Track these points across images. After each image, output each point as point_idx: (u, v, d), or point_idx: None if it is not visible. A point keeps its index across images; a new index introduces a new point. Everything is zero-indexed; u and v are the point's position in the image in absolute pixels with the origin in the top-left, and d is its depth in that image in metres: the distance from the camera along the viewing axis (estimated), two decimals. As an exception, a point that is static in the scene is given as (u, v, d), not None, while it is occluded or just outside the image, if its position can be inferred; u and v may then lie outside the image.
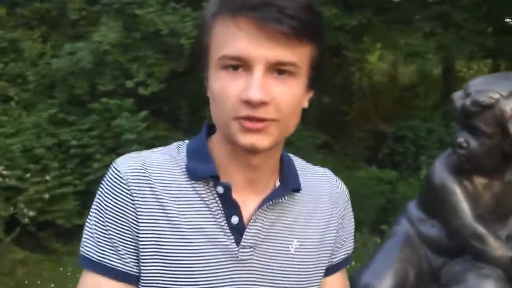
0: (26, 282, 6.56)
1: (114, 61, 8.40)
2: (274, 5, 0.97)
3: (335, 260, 1.27)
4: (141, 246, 1.08)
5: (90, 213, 1.13)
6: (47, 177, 7.93)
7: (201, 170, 1.11)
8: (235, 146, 1.06)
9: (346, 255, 1.31)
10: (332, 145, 10.33)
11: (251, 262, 1.12)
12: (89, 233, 1.11)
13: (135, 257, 1.09)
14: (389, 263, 2.61)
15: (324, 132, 9.98)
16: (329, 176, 1.29)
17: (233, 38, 1.00)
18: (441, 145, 8.94)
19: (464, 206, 2.46)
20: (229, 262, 1.11)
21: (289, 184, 1.17)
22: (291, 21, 0.97)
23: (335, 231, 1.25)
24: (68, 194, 7.71)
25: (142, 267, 1.09)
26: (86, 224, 1.13)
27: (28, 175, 7.84)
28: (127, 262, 1.09)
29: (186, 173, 1.12)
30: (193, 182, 1.11)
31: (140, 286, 1.11)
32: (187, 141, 1.19)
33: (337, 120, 11.24)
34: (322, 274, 1.23)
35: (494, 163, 2.44)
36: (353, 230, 1.31)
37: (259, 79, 0.99)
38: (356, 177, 8.77)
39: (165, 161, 1.13)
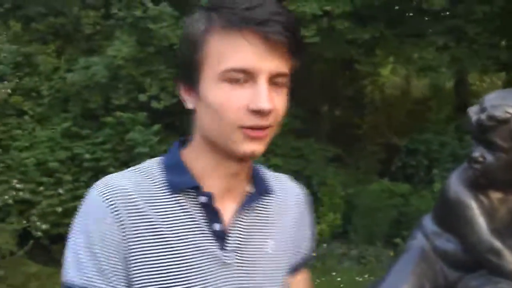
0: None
1: (127, 75, 8.47)
2: (275, 20, 1.04)
3: (299, 258, 1.35)
4: (131, 265, 1.09)
5: (71, 240, 1.12)
6: (60, 191, 7.99)
7: (182, 182, 1.15)
8: (228, 154, 1.12)
9: (308, 254, 1.38)
10: (344, 159, 10.31)
11: (235, 266, 1.17)
12: (71, 260, 1.10)
13: (123, 277, 1.10)
14: (405, 277, 2.60)
15: (335, 145, 9.98)
16: (290, 181, 1.37)
17: (238, 51, 1.05)
18: (454, 159, 8.91)
19: (480, 221, 2.45)
20: (216, 267, 1.15)
21: (261, 188, 1.24)
22: (289, 35, 1.05)
23: (299, 229, 1.33)
24: (81, 207, 7.74)
25: (133, 284, 1.10)
26: (68, 251, 1.12)
27: (41, 188, 7.90)
28: (113, 286, 1.09)
29: (165, 187, 1.15)
30: (174, 195, 1.14)
31: None
32: (158, 158, 1.22)
33: (349, 133, 11.23)
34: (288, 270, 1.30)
35: (510, 178, 2.43)
36: (313, 232, 1.40)
37: (266, 90, 1.06)
38: (369, 191, 8.75)
39: (143, 179, 1.16)
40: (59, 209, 7.78)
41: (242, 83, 1.06)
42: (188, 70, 1.13)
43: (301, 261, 1.35)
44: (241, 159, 1.13)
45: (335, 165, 9.58)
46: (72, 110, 8.85)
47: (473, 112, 2.45)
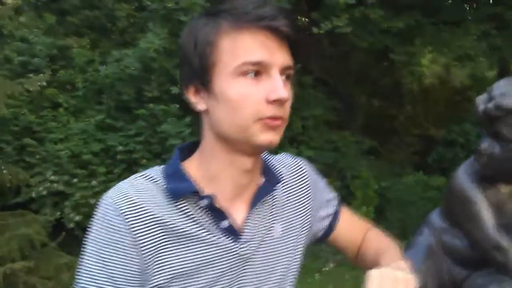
0: (70, 286, 6.66)
1: (160, 67, 8.48)
2: (283, 16, 1.13)
3: (331, 211, 1.45)
4: (150, 266, 1.13)
5: (84, 251, 1.16)
6: (94, 182, 8.08)
7: (181, 189, 1.18)
8: (243, 149, 1.17)
9: (337, 202, 1.47)
10: (379, 151, 10.14)
11: (250, 256, 1.23)
12: (83, 270, 1.14)
13: (136, 282, 1.14)
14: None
15: (371, 137, 9.82)
16: (291, 158, 1.43)
17: (251, 47, 1.12)
18: (492, 150, 8.65)
19: (486, 216, 2.33)
20: (233, 260, 1.20)
21: (272, 179, 1.30)
22: (294, 31, 1.14)
23: (316, 198, 1.40)
24: (114, 199, 7.82)
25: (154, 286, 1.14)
26: (80, 263, 1.15)
27: (75, 180, 8.00)
28: None
29: (167, 194, 1.18)
30: (177, 202, 1.18)
31: None
32: (161, 167, 1.26)
33: (385, 125, 11.05)
34: (303, 248, 1.36)
35: (519, 170, 2.30)
36: (326, 185, 1.47)
37: (281, 80, 1.13)
38: (403, 183, 8.59)
39: (149, 186, 1.20)
40: (93, 201, 7.85)
41: (257, 77, 1.12)
42: (199, 71, 1.16)
43: (335, 210, 1.45)
44: (255, 152, 1.19)
45: (369, 158, 9.43)
46: (106, 103, 8.92)
47: (480, 101, 2.33)
